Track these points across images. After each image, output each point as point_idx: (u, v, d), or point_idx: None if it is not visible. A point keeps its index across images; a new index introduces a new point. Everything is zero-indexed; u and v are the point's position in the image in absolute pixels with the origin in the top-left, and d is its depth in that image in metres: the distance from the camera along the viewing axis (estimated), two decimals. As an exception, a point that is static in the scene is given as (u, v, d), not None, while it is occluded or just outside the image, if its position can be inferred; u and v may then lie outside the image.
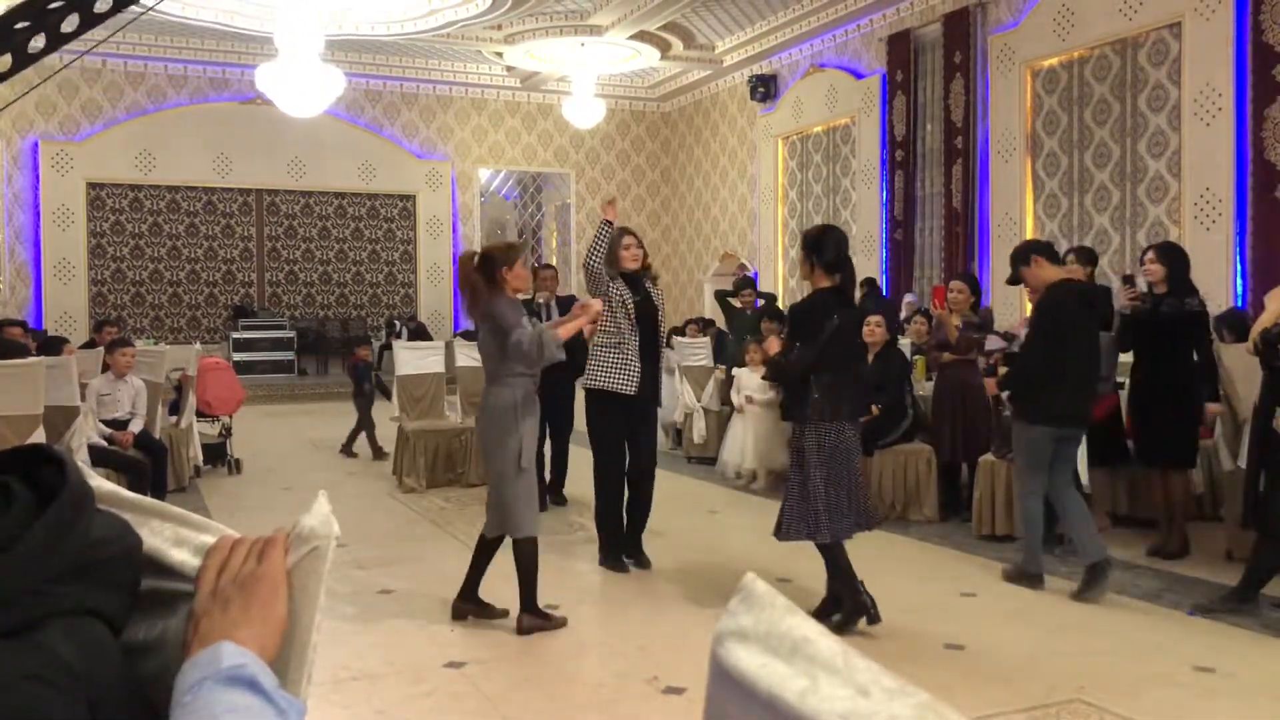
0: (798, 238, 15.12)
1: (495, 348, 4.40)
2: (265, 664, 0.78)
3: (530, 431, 4.41)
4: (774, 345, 4.71)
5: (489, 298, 4.39)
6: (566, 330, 4.51)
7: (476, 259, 4.49)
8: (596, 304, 4.81)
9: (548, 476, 6.93)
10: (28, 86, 12.72)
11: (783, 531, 4.49)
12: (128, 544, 0.86)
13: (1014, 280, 5.26)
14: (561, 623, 4.45)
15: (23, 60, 4.49)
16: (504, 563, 4.50)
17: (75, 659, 0.76)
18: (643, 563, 5.52)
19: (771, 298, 10.54)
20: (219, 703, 0.74)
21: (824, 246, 4.45)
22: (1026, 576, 5.10)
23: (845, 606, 4.41)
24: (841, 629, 4.30)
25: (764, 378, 4.70)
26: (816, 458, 4.36)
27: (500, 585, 4.56)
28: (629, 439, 5.50)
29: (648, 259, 5.61)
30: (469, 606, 4.56)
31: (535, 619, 4.39)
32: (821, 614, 4.39)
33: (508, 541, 4.45)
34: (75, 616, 0.79)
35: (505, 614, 4.51)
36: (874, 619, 4.38)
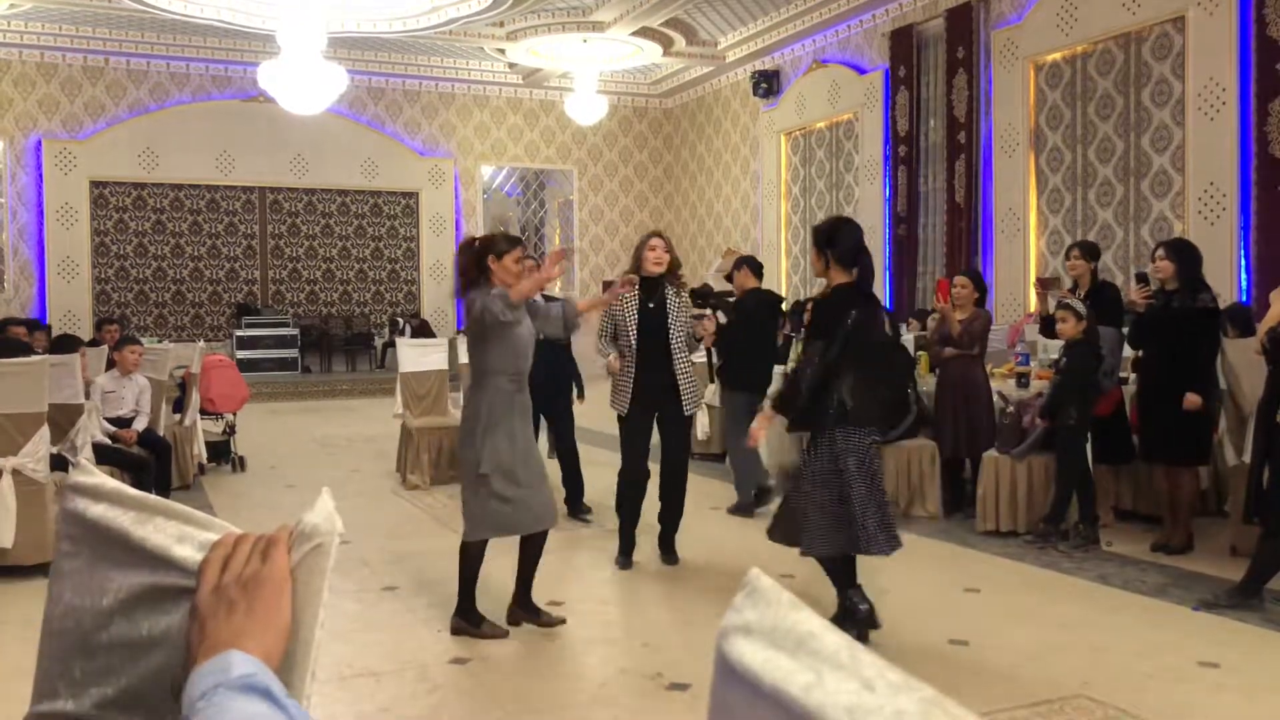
0: (801, 233, 15.17)
1: (472, 343, 4.30)
2: (272, 671, 0.78)
3: (498, 440, 4.19)
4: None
5: (479, 289, 4.22)
6: (588, 303, 4.54)
7: (477, 243, 4.34)
8: (628, 281, 4.99)
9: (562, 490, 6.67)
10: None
11: (813, 546, 4.20)
12: None
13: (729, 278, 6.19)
14: (503, 633, 4.29)
15: None
16: (505, 565, 4.50)
17: None
18: (669, 560, 5.54)
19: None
20: (234, 710, 0.74)
21: (839, 239, 4.15)
22: (742, 508, 6.69)
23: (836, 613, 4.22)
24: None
25: (773, 407, 4.35)
26: (854, 467, 4.05)
27: (546, 584, 4.55)
28: (640, 449, 5.50)
29: (674, 263, 5.42)
30: (522, 613, 4.43)
31: (463, 623, 4.30)
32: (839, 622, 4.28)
33: (507, 544, 4.42)
34: None
35: (563, 621, 4.39)
36: (872, 625, 4.23)
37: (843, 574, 4.30)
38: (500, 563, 4.55)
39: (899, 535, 4.29)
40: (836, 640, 0.54)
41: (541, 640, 4.32)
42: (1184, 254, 5.67)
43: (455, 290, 4.49)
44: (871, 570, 5.41)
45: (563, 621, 4.38)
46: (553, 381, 6.50)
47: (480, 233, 18.08)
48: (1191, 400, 5.47)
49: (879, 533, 4.12)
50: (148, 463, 6.62)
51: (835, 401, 4.05)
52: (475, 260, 4.24)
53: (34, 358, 6.10)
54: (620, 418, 5.44)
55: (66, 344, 8.04)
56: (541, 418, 6.47)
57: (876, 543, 4.13)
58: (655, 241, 5.36)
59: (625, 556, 5.47)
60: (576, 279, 18.39)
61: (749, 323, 6.91)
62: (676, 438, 5.49)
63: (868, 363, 4.10)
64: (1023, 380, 6.63)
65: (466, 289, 4.27)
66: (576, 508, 6.68)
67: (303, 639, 0.85)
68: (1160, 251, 5.73)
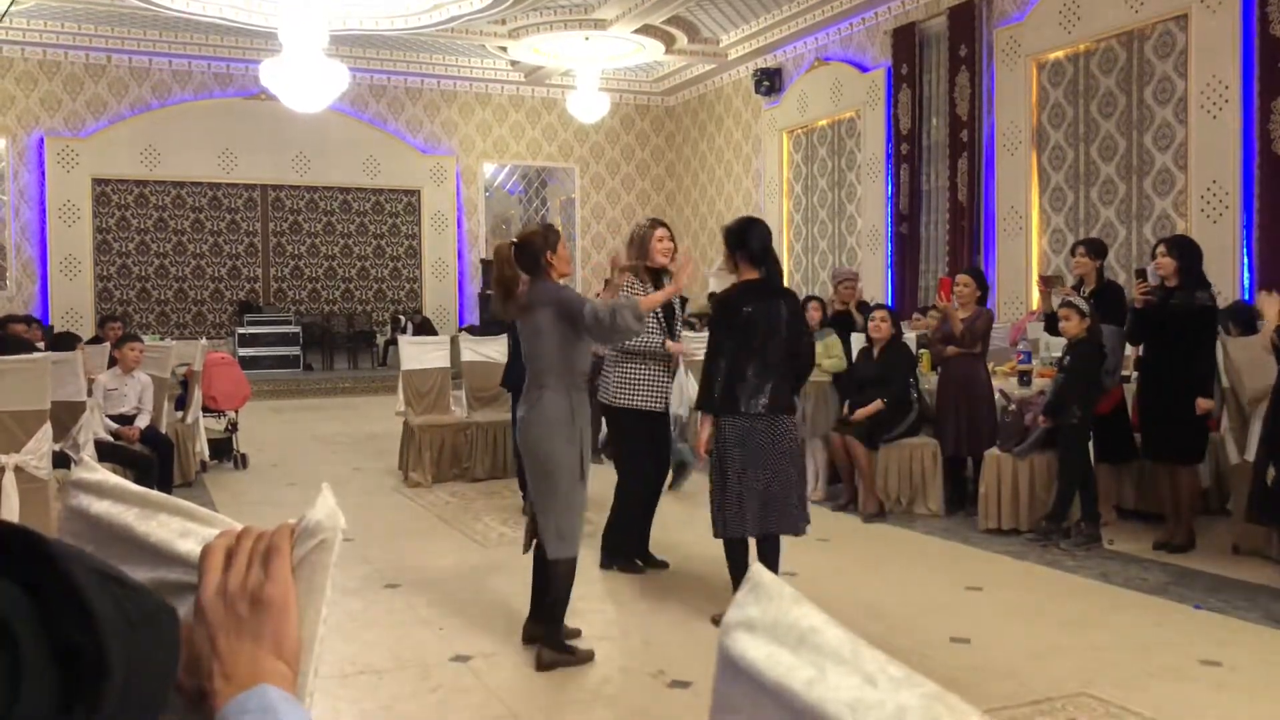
0: (804, 232, 15.17)
1: (553, 342, 3.93)
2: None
3: (587, 439, 4.03)
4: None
5: (536, 284, 3.98)
6: (652, 300, 4.17)
7: (513, 249, 4.03)
8: (688, 265, 4.44)
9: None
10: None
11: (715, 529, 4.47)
12: (170, 668, 0.72)
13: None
14: (588, 657, 4.00)
15: None
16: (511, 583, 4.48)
17: None
18: (661, 564, 5.47)
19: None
20: None
21: (748, 239, 4.44)
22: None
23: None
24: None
25: (696, 407, 4.73)
26: (728, 451, 4.36)
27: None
28: (654, 453, 5.37)
29: (678, 254, 5.36)
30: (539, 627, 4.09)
31: (558, 653, 3.97)
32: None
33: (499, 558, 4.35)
34: None
35: (591, 655, 4.04)
36: None
37: (738, 561, 4.42)
38: (470, 551, 4.56)
39: (794, 522, 4.41)
40: (839, 635, 0.54)
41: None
42: (1186, 251, 5.67)
43: (504, 303, 4.06)
44: (875, 567, 5.42)
45: (591, 656, 4.04)
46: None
47: (482, 230, 18.15)
48: (1203, 405, 5.49)
49: (749, 516, 4.33)
50: (150, 460, 6.63)
51: (725, 390, 4.34)
52: (526, 265, 4.00)
53: (36, 355, 6.11)
54: (627, 425, 5.24)
55: (65, 341, 8.04)
56: None
57: (722, 526, 4.38)
58: (662, 232, 5.29)
59: (629, 560, 5.39)
60: (579, 277, 18.39)
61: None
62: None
63: (761, 353, 4.34)
64: (1024, 378, 6.63)
65: (518, 295, 3.99)
66: None
67: (306, 635, 0.85)
68: (1162, 248, 5.73)
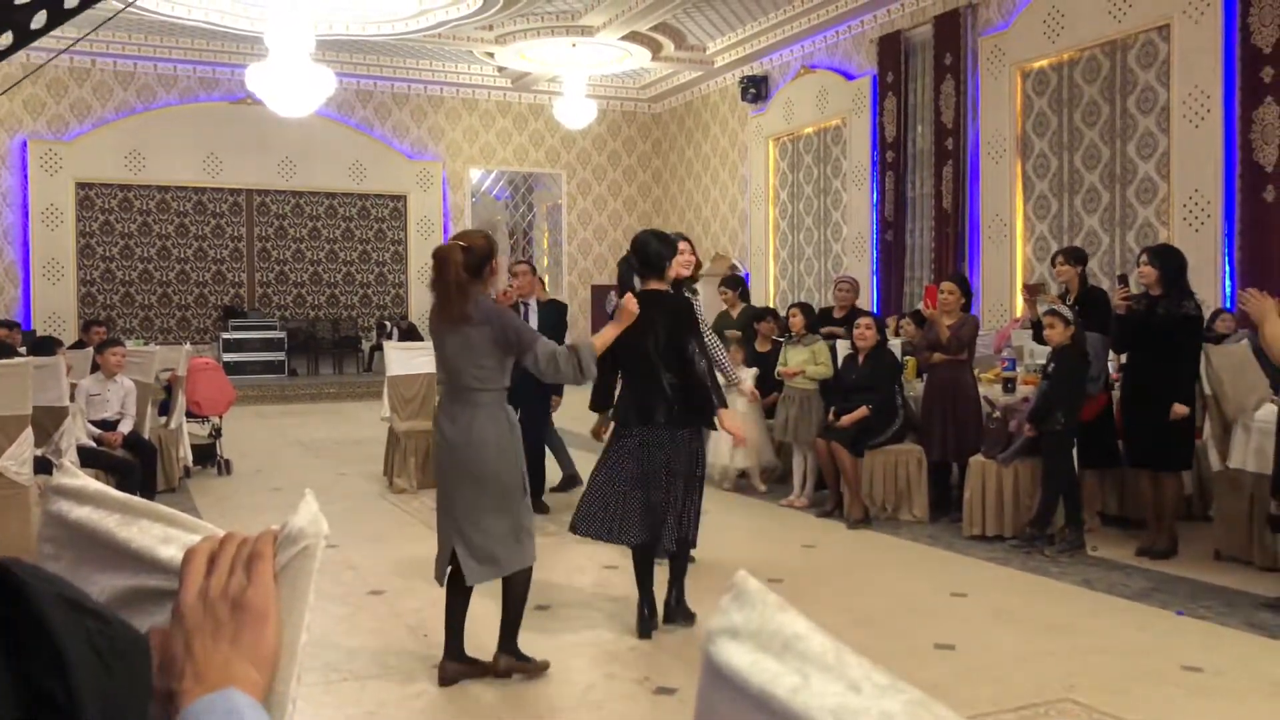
0: (789, 239, 15.21)
1: (491, 360, 3.77)
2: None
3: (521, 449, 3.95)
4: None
5: (475, 299, 3.76)
6: (604, 340, 3.91)
7: (461, 252, 3.76)
8: (632, 303, 3.98)
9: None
10: (9, 83, 12.67)
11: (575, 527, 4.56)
12: (144, 705, 0.71)
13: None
14: (544, 666, 3.97)
15: None
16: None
17: None
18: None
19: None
20: None
21: (644, 252, 4.52)
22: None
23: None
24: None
25: (590, 406, 5.12)
26: (603, 460, 4.48)
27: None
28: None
29: (700, 266, 5.37)
30: (460, 666, 3.92)
31: (516, 660, 3.94)
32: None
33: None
34: None
35: (546, 665, 3.99)
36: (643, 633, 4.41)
37: (640, 570, 4.49)
38: (480, 586, 4.54)
39: (606, 530, 4.45)
40: (823, 642, 0.54)
41: (527, 644, 4.30)
42: (1168, 259, 5.70)
43: (445, 308, 3.81)
44: (860, 573, 5.44)
45: (547, 666, 3.99)
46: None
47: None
48: (1178, 410, 5.50)
49: (624, 524, 4.41)
50: (133, 465, 6.58)
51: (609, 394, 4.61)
52: (471, 272, 3.78)
53: (17, 359, 6.07)
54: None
55: (46, 346, 7.99)
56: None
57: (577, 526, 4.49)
58: (684, 245, 5.15)
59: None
60: (564, 282, 18.39)
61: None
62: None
63: (632, 365, 4.42)
64: (1009, 385, 6.66)
65: (463, 303, 3.75)
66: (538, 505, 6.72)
67: (289, 642, 0.85)
68: (1144, 257, 5.77)
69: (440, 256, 3.79)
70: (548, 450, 7.43)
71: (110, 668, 0.65)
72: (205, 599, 0.82)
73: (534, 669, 3.94)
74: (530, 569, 3.92)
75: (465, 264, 3.74)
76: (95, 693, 0.63)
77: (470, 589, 3.86)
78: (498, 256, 3.93)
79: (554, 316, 7.33)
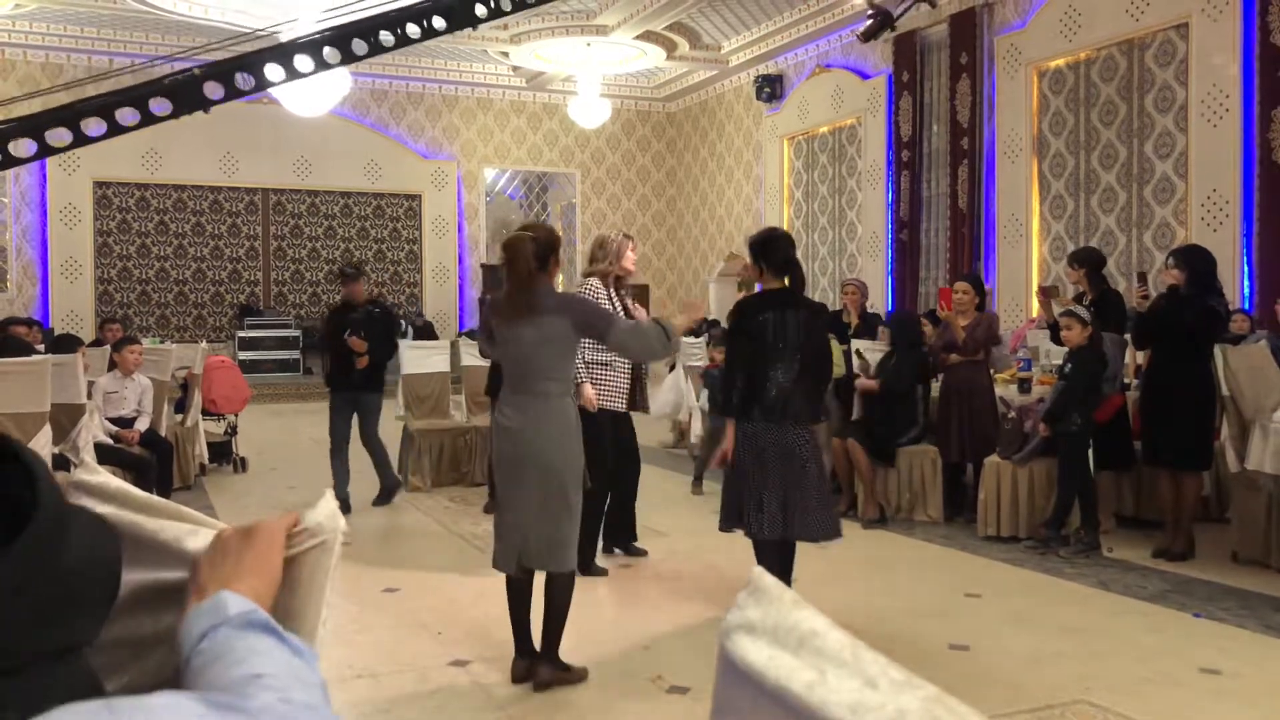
0: (804, 238, 15.18)
1: (560, 350, 3.74)
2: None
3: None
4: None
5: (548, 288, 3.76)
6: (682, 324, 3.90)
7: (531, 243, 3.72)
8: (700, 305, 4.34)
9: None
10: (31, 87, 12.75)
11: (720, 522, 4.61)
12: (107, 559, 0.76)
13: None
14: (583, 674, 3.87)
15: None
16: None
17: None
18: (638, 551, 5.68)
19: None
20: (241, 647, 0.74)
21: (768, 252, 4.51)
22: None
23: None
24: None
25: (716, 410, 4.93)
26: (743, 456, 4.46)
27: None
28: (618, 448, 5.52)
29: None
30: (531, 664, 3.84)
31: (559, 671, 3.82)
32: None
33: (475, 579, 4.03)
34: (51, 661, 0.69)
35: (585, 674, 3.87)
36: None
37: (771, 561, 4.43)
38: (468, 557, 4.53)
39: (802, 525, 4.42)
40: (839, 638, 0.55)
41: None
42: (1194, 262, 5.63)
43: (517, 298, 3.75)
44: (873, 574, 5.42)
45: (585, 674, 3.88)
46: None
47: (482, 235, 18.15)
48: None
49: (768, 518, 4.38)
50: (149, 463, 6.62)
51: (741, 396, 4.43)
52: (545, 257, 3.76)
53: (36, 357, 6.12)
54: (593, 428, 5.00)
55: (66, 344, 8.04)
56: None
57: (763, 527, 4.40)
58: (633, 244, 5.62)
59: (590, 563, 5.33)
60: (578, 281, 18.38)
61: None
62: (627, 426, 5.69)
63: (773, 362, 4.39)
64: (1025, 386, 6.63)
65: (538, 293, 3.73)
66: None
67: (305, 634, 0.85)
68: (1170, 261, 5.72)
69: (512, 247, 3.73)
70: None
71: (76, 514, 0.74)
72: (218, 540, 0.91)
73: (575, 678, 3.84)
74: (574, 574, 3.83)
75: (535, 254, 3.71)
76: (56, 504, 0.70)
77: (531, 584, 3.82)
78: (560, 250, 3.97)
79: None
